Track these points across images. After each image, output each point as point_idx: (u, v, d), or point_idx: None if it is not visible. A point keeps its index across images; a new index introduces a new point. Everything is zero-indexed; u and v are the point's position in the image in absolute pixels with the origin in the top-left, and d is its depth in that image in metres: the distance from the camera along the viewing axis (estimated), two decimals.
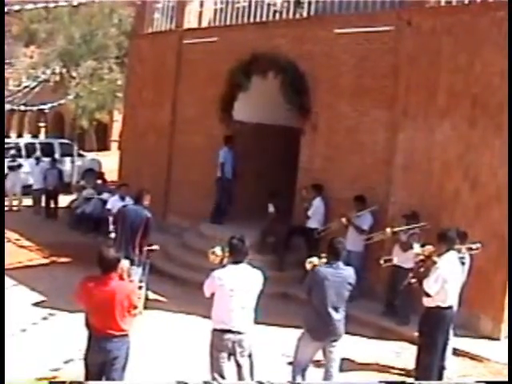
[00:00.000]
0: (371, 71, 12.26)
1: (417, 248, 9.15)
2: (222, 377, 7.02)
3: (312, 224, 12.73)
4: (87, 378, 6.73)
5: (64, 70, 26.77)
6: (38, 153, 23.84)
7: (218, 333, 7.00)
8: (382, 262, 9.85)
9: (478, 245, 8.73)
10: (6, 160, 21.86)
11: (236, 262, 7.03)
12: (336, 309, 7.25)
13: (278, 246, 13.16)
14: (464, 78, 10.83)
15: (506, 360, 9.42)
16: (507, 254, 10.09)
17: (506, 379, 8.73)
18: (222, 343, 6.98)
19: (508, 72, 10.08)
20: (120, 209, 11.34)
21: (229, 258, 7.08)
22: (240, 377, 7.14)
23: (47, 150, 25.18)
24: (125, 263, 7.07)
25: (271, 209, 13.59)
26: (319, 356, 7.51)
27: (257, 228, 13.20)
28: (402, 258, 10.26)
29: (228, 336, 6.94)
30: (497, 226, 10.26)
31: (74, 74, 26.33)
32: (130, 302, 6.58)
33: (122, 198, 13.30)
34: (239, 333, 6.96)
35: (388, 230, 10.71)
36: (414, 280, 8.12)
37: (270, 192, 13.60)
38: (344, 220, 11.73)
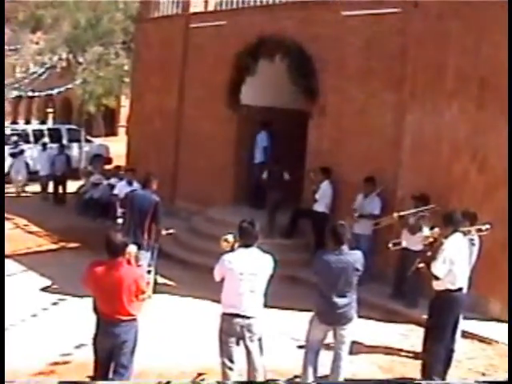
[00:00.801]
0: (379, 53, 12.20)
1: (426, 231, 9.12)
2: (231, 361, 7.04)
3: (319, 207, 12.73)
4: (96, 363, 6.78)
5: (71, 56, 26.75)
6: (46, 139, 23.89)
7: (227, 317, 7.00)
8: (390, 245, 9.83)
9: (488, 226, 8.67)
10: (8, 147, 21.91)
11: (246, 246, 7.02)
12: (342, 294, 7.19)
13: (268, 210, 13.43)
14: (472, 60, 10.75)
15: None
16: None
17: None
18: (230, 327, 6.98)
19: (508, 70, 10.00)
20: (128, 194, 11.36)
21: (239, 241, 7.07)
22: (250, 362, 7.15)
23: (55, 135, 25.28)
24: (132, 248, 7.08)
25: (264, 175, 13.78)
26: (330, 339, 7.52)
27: (265, 213, 13.25)
28: (411, 241, 10.27)
29: (237, 320, 6.94)
30: (504, 208, 10.21)
31: (80, 59, 26.30)
32: (138, 287, 6.59)
33: (130, 183, 13.32)
34: (248, 317, 6.95)
35: (395, 214, 10.67)
36: (421, 265, 8.08)
37: (275, 157, 13.91)
38: (356, 216, 11.63)
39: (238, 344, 7.07)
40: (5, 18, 20.62)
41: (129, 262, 6.69)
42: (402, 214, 10.57)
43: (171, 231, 11.23)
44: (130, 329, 6.62)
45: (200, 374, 8.02)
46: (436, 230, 8.10)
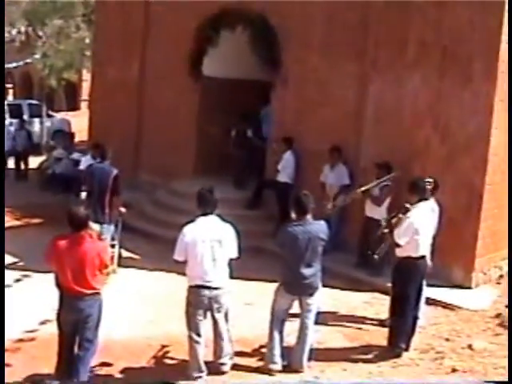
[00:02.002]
0: (341, 24, 12.14)
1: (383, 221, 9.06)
2: (199, 335, 7.08)
3: (282, 178, 12.70)
4: (61, 338, 6.76)
5: (30, 29, 26.31)
6: (6, 115, 23.49)
7: (194, 289, 7.02)
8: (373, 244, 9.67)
9: (430, 179, 8.73)
10: None
11: (205, 214, 7.02)
12: (309, 265, 7.24)
13: (238, 167, 13.93)
14: (434, 30, 10.78)
15: (475, 307, 9.60)
16: (478, 205, 10.22)
17: (476, 325, 8.90)
18: (198, 300, 7.01)
19: (508, 66, 10.05)
20: (87, 168, 11.26)
21: (198, 209, 7.06)
22: (216, 333, 7.22)
23: (15, 111, 24.85)
24: (95, 227, 7.04)
25: (233, 133, 13.99)
26: (296, 308, 7.56)
27: (228, 183, 13.27)
28: (375, 211, 10.35)
29: (204, 292, 6.96)
30: (466, 176, 10.35)
31: (40, 33, 25.88)
32: (102, 261, 6.57)
33: (94, 158, 13.17)
34: (215, 288, 6.99)
35: (358, 190, 10.64)
36: (386, 230, 8.14)
37: (243, 114, 14.06)
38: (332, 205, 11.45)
39: (205, 316, 7.10)
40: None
41: (91, 236, 6.66)
42: (364, 188, 10.54)
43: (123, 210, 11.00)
44: (93, 303, 6.60)
45: (164, 346, 8.03)
46: (394, 220, 8.06)
